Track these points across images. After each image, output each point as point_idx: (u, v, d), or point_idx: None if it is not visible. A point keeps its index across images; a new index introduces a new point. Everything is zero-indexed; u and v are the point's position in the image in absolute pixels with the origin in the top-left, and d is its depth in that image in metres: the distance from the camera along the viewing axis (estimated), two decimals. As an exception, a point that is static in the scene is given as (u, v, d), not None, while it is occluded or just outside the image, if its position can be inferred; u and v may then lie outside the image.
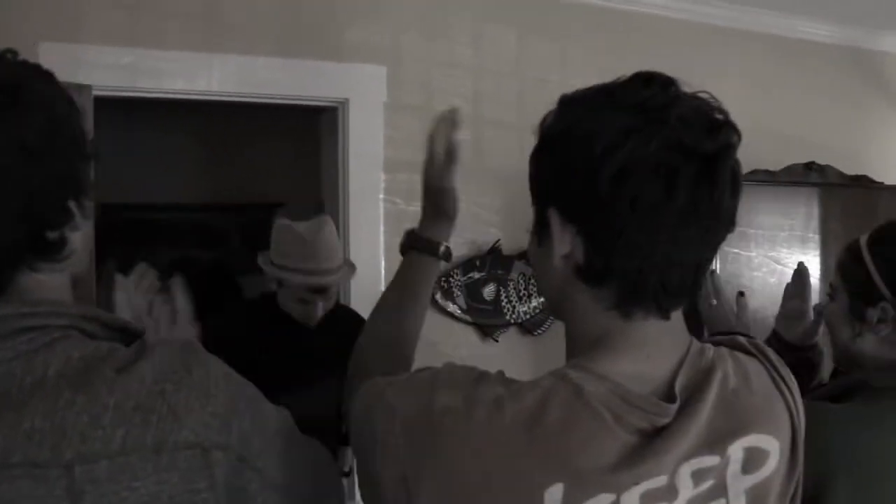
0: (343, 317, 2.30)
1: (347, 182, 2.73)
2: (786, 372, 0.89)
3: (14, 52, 0.81)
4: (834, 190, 3.01)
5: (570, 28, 3.00)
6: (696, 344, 0.84)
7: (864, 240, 1.28)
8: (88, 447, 0.70)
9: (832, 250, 2.95)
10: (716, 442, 0.78)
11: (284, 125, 3.96)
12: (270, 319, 2.22)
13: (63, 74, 2.39)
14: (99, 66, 2.37)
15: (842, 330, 1.28)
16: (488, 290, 2.85)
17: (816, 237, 2.92)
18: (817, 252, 2.94)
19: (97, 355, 0.76)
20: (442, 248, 1.15)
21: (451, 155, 1.08)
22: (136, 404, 0.73)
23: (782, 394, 0.86)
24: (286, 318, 2.20)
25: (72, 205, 0.79)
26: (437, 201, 1.13)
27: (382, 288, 2.69)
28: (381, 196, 2.75)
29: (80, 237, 0.81)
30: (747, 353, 0.89)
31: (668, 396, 0.78)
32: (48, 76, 0.81)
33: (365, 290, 2.72)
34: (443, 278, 2.77)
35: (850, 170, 3.23)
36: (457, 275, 2.79)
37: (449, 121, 1.08)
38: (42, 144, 0.75)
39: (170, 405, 0.74)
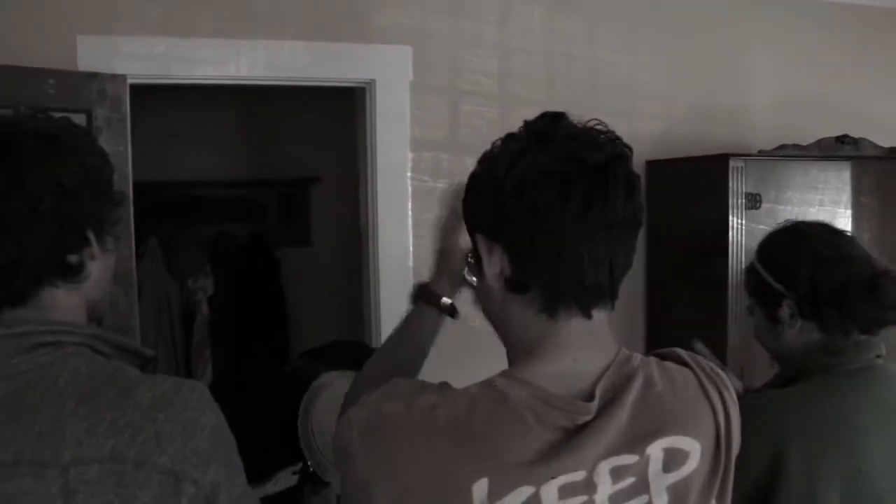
0: None
1: (375, 161, 2.79)
2: (719, 381, 0.96)
3: (67, 118, 0.97)
4: (868, 163, 2.95)
5: (596, 3, 2.99)
6: (623, 352, 0.92)
7: (755, 256, 1.48)
8: (83, 451, 0.81)
9: (865, 225, 2.92)
10: (634, 442, 0.86)
11: (320, 104, 4.02)
12: None
13: (100, 65, 2.51)
14: (134, 56, 2.46)
15: (768, 336, 1.46)
16: (515, 266, 2.89)
17: (848, 212, 2.88)
18: (849, 227, 2.91)
19: (103, 373, 0.88)
20: (447, 304, 1.26)
21: (456, 217, 1.18)
22: (128, 422, 0.84)
23: (709, 400, 0.93)
24: None
25: (91, 236, 0.94)
26: (447, 259, 1.26)
27: (411, 264, 2.81)
28: (409, 174, 2.81)
29: (97, 267, 0.95)
30: (682, 363, 0.97)
31: (589, 396, 0.86)
32: (85, 133, 0.98)
33: (393, 267, 2.80)
34: (469, 254, 2.81)
35: (886, 141, 3.17)
36: (484, 251, 2.84)
37: (455, 191, 1.18)
38: (74, 185, 0.90)
39: (156, 431, 0.84)
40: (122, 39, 2.46)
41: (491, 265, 0.91)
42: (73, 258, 0.92)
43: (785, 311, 1.39)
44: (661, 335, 3.09)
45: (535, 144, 0.87)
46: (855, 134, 3.00)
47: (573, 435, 0.83)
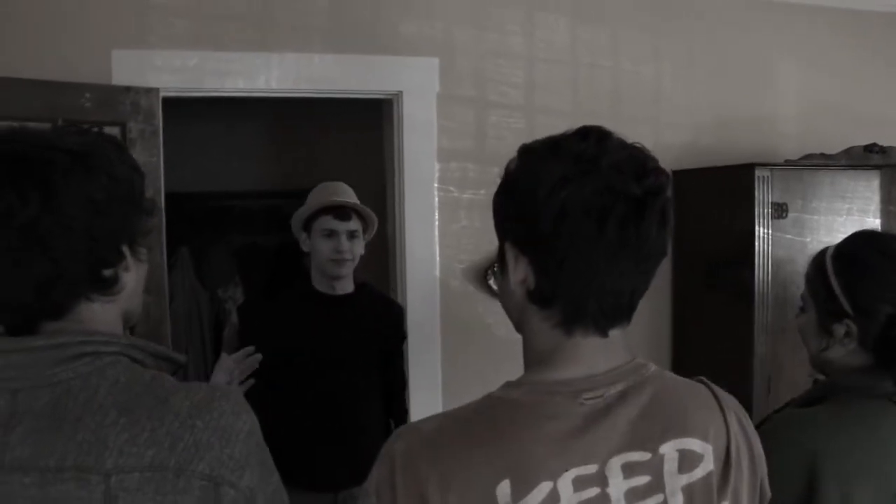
0: (370, 292, 2.48)
1: (403, 171, 2.83)
2: (731, 402, 0.99)
3: (99, 127, 0.97)
4: (897, 171, 2.94)
5: (621, 12, 3.01)
6: (639, 360, 0.95)
7: (829, 254, 1.32)
8: (124, 460, 0.85)
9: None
10: (646, 440, 0.88)
11: (348, 115, 4.07)
12: (302, 296, 2.40)
13: (134, 79, 2.58)
14: (166, 70, 2.53)
15: (812, 341, 1.35)
16: (541, 276, 2.91)
17: (877, 221, 2.86)
18: (877, 236, 2.89)
19: (141, 381, 0.91)
20: None
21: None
22: (168, 431, 0.87)
23: (721, 409, 0.96)
24: (319, 295, 2.36)
25: (125, 249, 0.96)
26: None
27: (437, 273, 2.84)
28: (436, 185, 2.84)
29: (131, 277, 0.98)
30: (696, 380, 1.00)
31: (599, 392, 0.89)
32: (116, 145, 0.98)
33: (419, 276, 2.83)
34: (496, 264, 2.84)
35: (916, 150, 3.15)
36: (509, 261, 2.86)
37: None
38: (105, 200, 0.92)
39: (195, 439, 0.87)
40: (155, 53, 2.53)
41: (516, 273, 0.93)
42: (107, 272, 0.94)
43: (841, 328, 1.28)
44: (687, 345, 3.08)
45: (578, 171, 0.88)
46: (884, 142, 2.99)
47: (584, 429, 0.86)
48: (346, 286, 2.38)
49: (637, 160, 0.90)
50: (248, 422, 0.93)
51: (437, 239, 2.85)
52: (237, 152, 4.52)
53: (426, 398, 2.74)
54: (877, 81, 3.31)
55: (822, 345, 1.32)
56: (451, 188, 2.86)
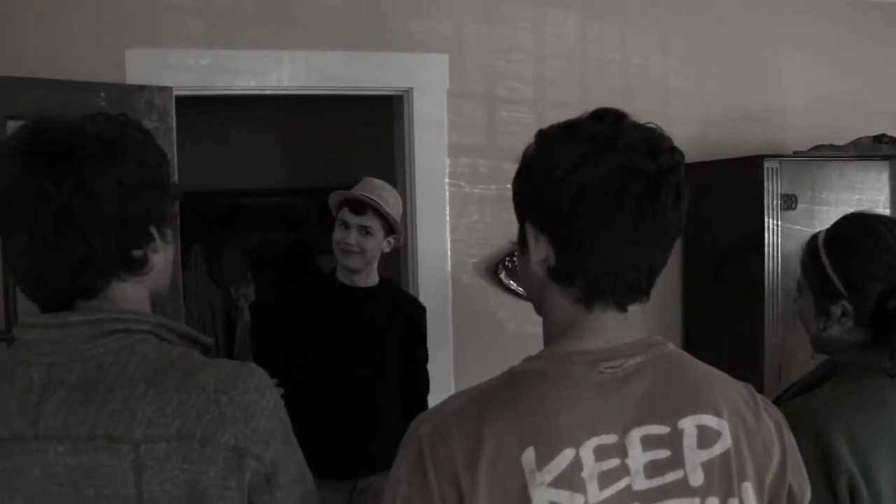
0: (392, 288, 2.53)
1: (413, 167, 2.85)
2: (774, 409, 1.01)
3: (125, 115, 1.03)
4: (906, 162, 2.94)
5: (629, 7, 3.02)
6: (657, 337, 0.97)
7: (821, 238, 1.37)
8: (153, 430, 0.89)
9: (904, 224, 2.89)
10: (665, 414, 0.90)
11: (359, 112, 4.10)
12: (326, 286, 2.47)
13: (147, 77, 2.61)
14: (180, 69, 2.56)
15: (811, 323, 1.40)
16: (552, 270, 2.92)
17: (886, 212, 2.86)
18: (887, 226, 2.89)
19: (169, 358, 0.95)
20: None
21: None
22: (194, 404, 0.91)
23: (737, 387, 0.98)
24: (339, 285, 2.42)
25: (153, 231, 0.99)
26: None
27: (449, 268, 2.86)
28: (447, 180, 2.87)
29: (159, 258, 1.01)
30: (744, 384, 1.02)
31: (618, 363, 0.91)
32: (142, 130, 1.02)
33: (431, 271, 2.86)
34: (507, 258, 2.87)
35: (926, 140, 3.14)
36: (520, 255, 2.87)
37: None
38: (134, 184, 0.95)
39: (220, 412, 0.91)
40: (168, 53, 2.57)
41: (536, 252, 0.95)
42: (137, 253, 0.97)
43: (837, 309, 1.33)
44: (697, 336, 3.10)
45: (595, 151, 0.90)
46: (893, 133, 2.99)
47: (603, 398, 0.89)
48: (367, 280, 2.41)
49: (651, 139, 0.93)
50: (272, 399, 0.96)
51: (448, 234, 2.87)
52: (249, 150, 4.56)
53: (437, 392, 2.76)
54: (885, 72, 3.31)
55: (821, 326, 1.36)
56: (462, 183, 2.88)
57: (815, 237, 1.40)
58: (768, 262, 2.69)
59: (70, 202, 0.91)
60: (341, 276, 2.43)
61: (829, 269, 1.33)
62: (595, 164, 0.90)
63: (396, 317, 2.41)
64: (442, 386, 2.46)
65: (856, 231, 1.35)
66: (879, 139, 2.98)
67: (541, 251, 0.94)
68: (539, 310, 1.01)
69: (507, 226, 2.91)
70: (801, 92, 3.21)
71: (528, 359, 0.95)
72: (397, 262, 3.13)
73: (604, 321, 0.94)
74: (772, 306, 2.68)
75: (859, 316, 1.31)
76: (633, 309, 0.95)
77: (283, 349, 2.32)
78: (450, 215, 2.87)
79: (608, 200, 0.89)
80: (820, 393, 1.32)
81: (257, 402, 0.94)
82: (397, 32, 2.79)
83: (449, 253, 2.87)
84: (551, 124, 0.98)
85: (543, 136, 0.97)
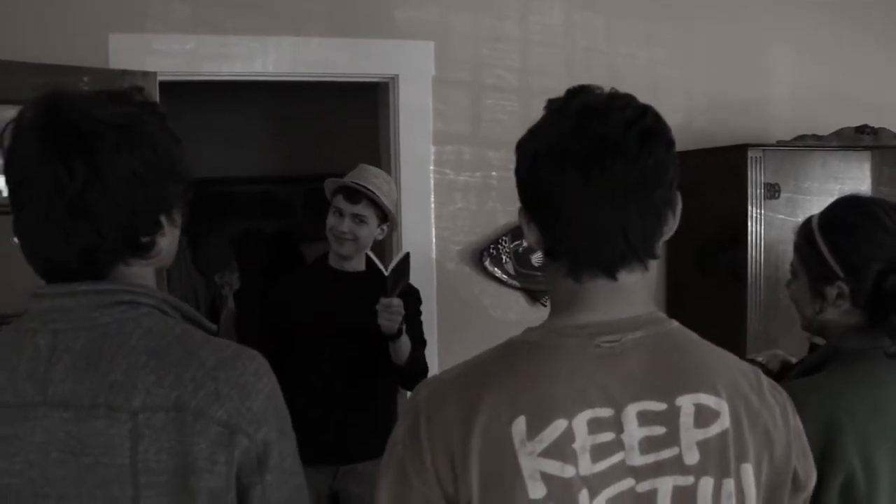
0: (380, 272, 2.49)
1: (399, 154, 2.85)
2: (781, 392, 1.01)
3: (140, 89, 1.04)
4: (888, 153, 2.96)
5: (616, -3, 3.03)
6: (660, 313, 0.97)
7: (815, 221, 1.37)
8: (151, 400, 0.90)
9: (885, 214, 2.92)
10: (663, 390, 0.90)
11: (346, 99, 4.09)
12: (317, 271, 2.50)
13: (131, 62, 2.59)
14: (164, 54, 2.55)
15: (806, 307, 1.39)
16: (536, 257, 2.93)
17: (868, 201, 2.89)
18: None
19: (172, 332, 0.97)
20: None
21: None
22: (192, 377, 0.92)
23: (740, 366, 0.98)
24: (331, 270, 2.44)
25: (162, 219, 1.01)
26: None
27: (434, 255, 2.86)
28: (432, 167, 2.87)
29: (166, 241, 1.03)
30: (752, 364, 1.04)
31: (615, 336, 0.92)
32: (158, 115, 1.02)
33: (415, 258, 2.84)
34: (491, 245, 2.87)
35: (907, 131, 3.17)
36: (505, 242, 2.89)
37: None
38: (147, 173, 0.96)
39: (217, 388, 0.92)
40: (152, 37, 2.55)
41: (529, 234, 0.97)
42: (145, 239, 0.99)
43: (833, 291, 1.32)
44: (681, 323, 3.11)
45: (550, 121, 0.94)
46: (875, 124, 3.01)
47: (599, 371, 0.89)
48: (357, 265, 2.43)
49: (604, 101, 0.93)
50: (269, 384, 0.98)
51: (433, 221, 2.88)
52: (234, 138, 4.54)
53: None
54: (868, 64, 3.33)
55: (817, 308, 1.36)
56: (447, 171, 2.88)
57: (809, 220, 1.39)
58: (751, 251, 2.71)
59: (82, 192, 0.92)
60: (332, 262, 2.44)
61: (825, 251, 1.33)
62: (547, 133, 0.92)
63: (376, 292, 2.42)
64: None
65: (852, 212, 1.35)
66: (862, 130, 3.00)
67: (532, 233, 0.97)
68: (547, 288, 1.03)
69: (491, 213, 2.92)
70: (786, 83, 3.23)
71: (528, 330, 0.96)
72: (382, 250, 3.12)
73: (595, 291, 0.94)
74: (755, 294, 2.70)
75: (856, 297, 1.31)
76: (627, 279, 0.94)
77: (272, 333, 2.32)
78: (435, 203, 2.87)
79: (554, 164, 0.90)
80: (819, 377, 1.32)
81: (254, 384, 0.95)
82: (383, 19, 2.78)
83: (434, 240, 2.88)
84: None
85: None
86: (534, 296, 2.97)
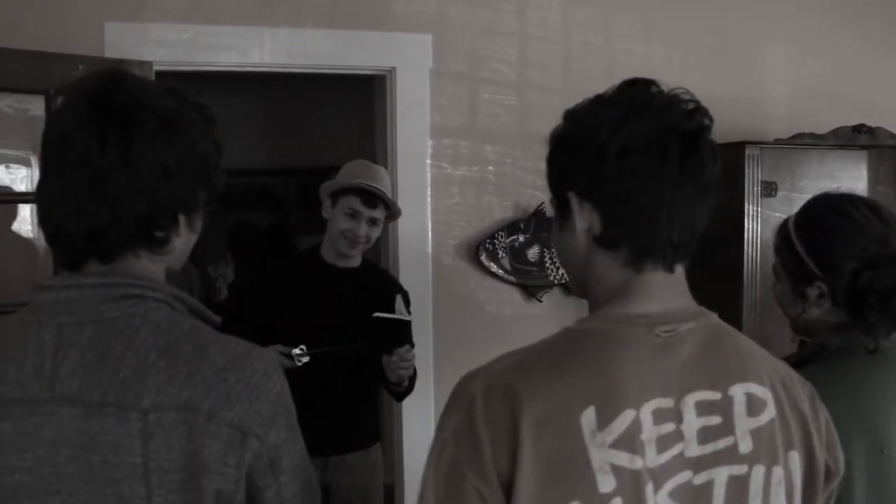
0: (373, 269, 2.55)
1: (395, 148, 2.84)
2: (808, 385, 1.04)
3: (198, 92, 1.05)
4: (885, 152, 2.97)
5: (614, -8, 3.02)
6: (702, 308, 0.99)
7: (791, 222, 1.39)
8: (161, 399, 0.89)
9: (881, 213, 2.92)
10: (717, 380, 0.92)
11: (342, 92, 4.07)
12: (310, 265, 2.45)
13: (127, 51, 2.57)
14: (160, 43, 2.53)
15: (790, 307, 1.41)
16: (532, 252, 2.93)
17: (864, 200, 2.89)
18: (865, 215, 2.92)
19: (181, 329, 0.95)
20: None
21: None
22: (203, 377, 0.91)
23: (774, 359, 1.01)
24: (325, 264, 2.41)
25: (181, 218, 1.00)
26: None
27: (430, 250, 2.85)
28: (428, 161, 2.85)
29: (180, 242, 1.01)
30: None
31: (673, 329, 0.92)
32: (207, 119, 1.03)
33: (412, 251, 2.85)
34: (487, 240, 2.87)
35: (904, 130, 3.17)
36: (501, 237, 2.88)
37: None
38: (177, 169, 0.96)
39: (227, 390, 0.91)
40: (148, 26, 2.53)
41: (581, 220, 0.97)
42: (159, 234, 0.97)
43: (814, 291, 1.34)
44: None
45: (634, 113, 0.94)
46: (872, 123, 3.01)
47: (661, 361, 0.90)
48: (353, 261, 2.42)
49: (683, 101, 0.97)
50: (279, 384, 0.97)
51: (429, 215, 2.86)
52: (230, 129, 4.42)
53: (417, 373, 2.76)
54: (866, 63, 3.33)
55: (800, 309, 1.38)
56: (444, 164, 2.87)
57: (785, 221, 1.41)
58: (748, 248, 2.71)
59: (108, 170, 0.91)
60: (327, 256, 2.41)
61: (801, 251, 1.35)
62: (637, 124, 0.93)
63: (381, 297, 2.40)
64: (421, 367, 2.45)
65: (824, 211, 1.37)
66: (858, 129, 3.00)
67: (584, 219, 0.96)
68: (584, 280, 1.01)
69: (488, 208, 2.91)
70: (783, 81, 3.23)
71: (583, 319, 0.96)
72: (377, 244, 3.12)
73: (653, 282, 0.95)
74: (751, 292, 2.71)
75: (835, 296, 1.32)
76: (680, 271, 0.97)
77: (262, 325, 2.30)
78: (431, 197, 2.86)
79: (654, 155, 0.92)
80: (810, 374, 1.30)
81: (263, 385, 0.94)
82: (381, 11, 2.77)
83: (430, 234, 2.86)
84: (576, 104, 1.01)
85: (573, 112, 1.00)
86: (529, 291, 2.96)
